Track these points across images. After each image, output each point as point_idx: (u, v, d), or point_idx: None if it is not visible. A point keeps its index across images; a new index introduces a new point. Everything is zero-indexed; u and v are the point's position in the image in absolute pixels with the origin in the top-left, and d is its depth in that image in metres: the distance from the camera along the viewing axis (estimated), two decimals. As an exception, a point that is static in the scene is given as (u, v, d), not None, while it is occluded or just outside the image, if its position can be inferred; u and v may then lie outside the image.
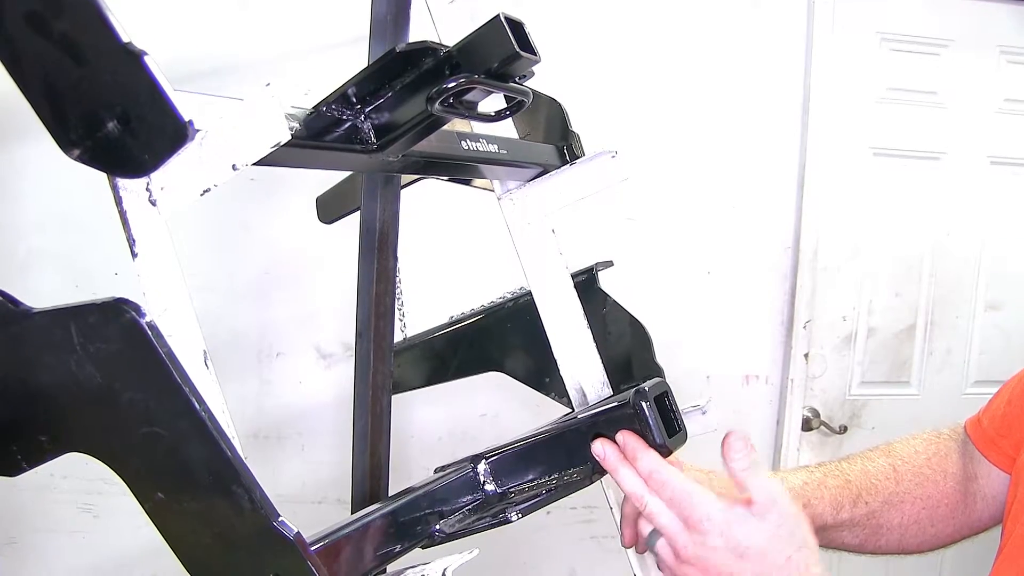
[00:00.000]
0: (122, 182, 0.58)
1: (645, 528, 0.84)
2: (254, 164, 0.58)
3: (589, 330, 0.97)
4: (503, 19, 0.68)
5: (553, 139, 1.02)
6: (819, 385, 2.32)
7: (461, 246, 2.01)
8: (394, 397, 1.15)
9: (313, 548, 0.63)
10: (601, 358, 0.98)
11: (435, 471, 0.85)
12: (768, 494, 0.78)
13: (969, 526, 1.07)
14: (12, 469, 0.59)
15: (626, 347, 1.03)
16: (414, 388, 1.29)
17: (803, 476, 1.04)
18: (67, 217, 1.84)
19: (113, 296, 0.53)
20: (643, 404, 0.79)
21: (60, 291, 1.85)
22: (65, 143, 0.57)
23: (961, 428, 1.11)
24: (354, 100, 0.71)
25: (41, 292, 1.81)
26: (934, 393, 2.40)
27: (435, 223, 1.89)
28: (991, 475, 1.04)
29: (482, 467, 0.83)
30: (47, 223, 1.86)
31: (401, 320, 1.24)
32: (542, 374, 1.09)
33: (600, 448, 0.80)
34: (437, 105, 0.67)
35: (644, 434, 0.80)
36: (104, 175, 0.58)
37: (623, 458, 0.80)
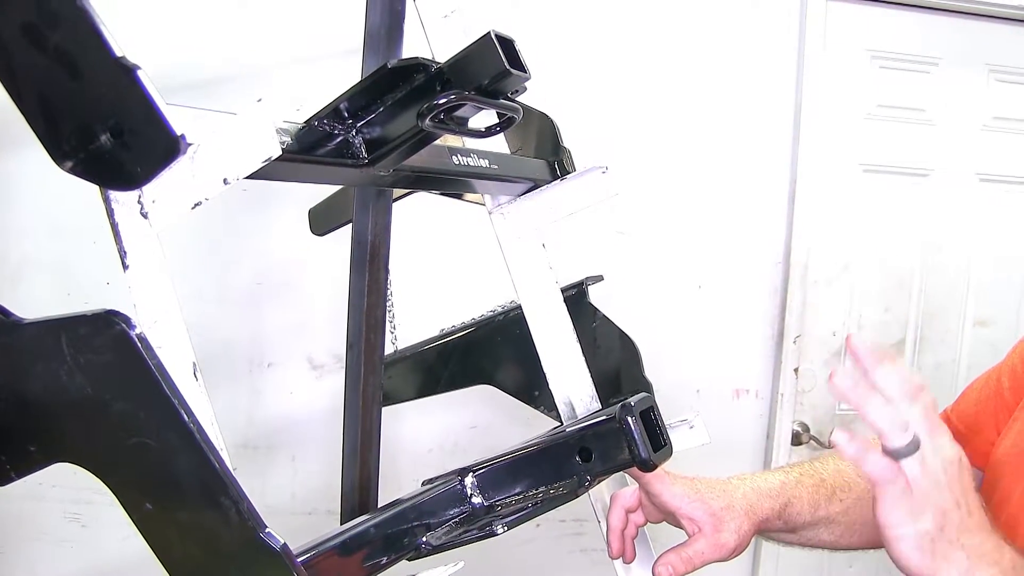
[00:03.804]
0: (114, 194, 0.59)
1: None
2: (245, 178, 0.59)
3: (578, 344, 0.98)
4: (493, 36, 0.69)
5: (544, 154, 1.02)
6: (809, 400, 2.33)
7: (452, 259, 2.01)
8: (384, 409, 1.15)
9: (300, 559, 0.64)
10: (590, 372, 0.98)
11: (423, 483, 0.85)
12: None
13: None
14: (0, 479, 0.60)
15: (615, 361, 1.04)
16: (404, 400, 1.29)
17: (780, 476, 1.06)
18: (59, 225, 1.84)
19: (104, 308, 0.54)
20: (628, 419, 0.80)
21: (51, 299, 1.85)
22: (58, 155, 0.57)
23: None
24: (346, 115, 0.71)
25: (32, 300, 1.81)
26: (923, 408, 2.41)
27: (426, 236, 1.90)
28: None
29: (469, 480, 0.83)
30: (39, 231, 1.86)
31: (392, 332, 1.24)
32: (531, 387, 1.10)
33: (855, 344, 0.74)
34: (428, 121, 0.68)
35: (629, 448, 0.80)
36: (96, 187, 0.59)
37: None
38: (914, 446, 0.71)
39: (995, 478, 0.99)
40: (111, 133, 0.56)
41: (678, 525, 0.98)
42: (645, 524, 1.01)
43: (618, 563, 1.00)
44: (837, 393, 0.73)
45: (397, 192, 1.15)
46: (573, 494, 0.84)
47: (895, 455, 0.71)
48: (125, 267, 0.59)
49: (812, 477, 1.07)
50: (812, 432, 2.33)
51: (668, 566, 0.92)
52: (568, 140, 1.03)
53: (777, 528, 1.03)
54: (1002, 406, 1.04)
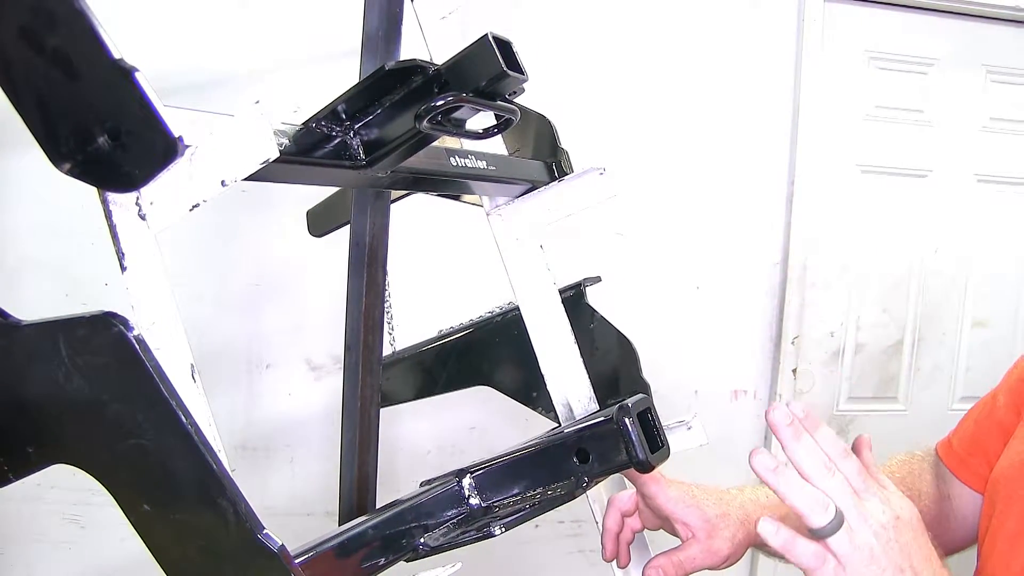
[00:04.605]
0: (112, 196, 0.59)
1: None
2: (243, 180, 0.59)
3: (576, 345, 0.98)
4: (491, 38, 0.69)
5: (542, 155, 1.02)
6: (807, 400, 2.33)
7: (450, 260, 2.01)
8: (383, 410, 1.15)
9: (298, 561, 0.64)
10: (588, 373, 0.98)
11: (420, 485, 0.85)
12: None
13: (943, 546, 1.05)
14: (-2, 480, 0.60)
15: (613, 363, 1.04)
16: (403, 401, 1.29)
17: None
18: (57, 226, 1.84)
19: (102, 309, 0.54)
20: (626, 420, 0.80)
21: (50, 300, 1.85)
22: (56, 157, 0.57)
23: (932, 450, 1.13)
24: (344, 116, 0.71)
25: (31, 301, 1.81)
26: (921, 409, 2.42)
27: (425, 238, 1.90)
28: (963, 495, 1.06)
29: (467, 481, 0.83)
30: (37, 232, 1.86)
31: (390, 333, 1.24)
32: (530, 388, 1.10)
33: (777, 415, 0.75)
34: (425, 123, 0.68)
35: (627, 450, 0.80)
36: (94, 188, 0.59)
37: (802, 429, 0.74)
38: (837, 522, 0.69)
39: (993, 498, 0.97)
40: (109, 135, 0.56)
41: (673, 532, 0.98)
42: (642, 530, 1.01)
43: (614, 565, 1.00)
44: (758, 476, 0.71)
45: (395, 193, 1.15)
46: (571, 495, 0.84)
47: (820, 535, 0.69)
48: (123, 268, 0.59)
49: None
50: (810, 433, 2.32)
51: (658, 569, 0.91)
52: (566, 141, 1.03)
53: None
54: (999, 426, 1.03)
